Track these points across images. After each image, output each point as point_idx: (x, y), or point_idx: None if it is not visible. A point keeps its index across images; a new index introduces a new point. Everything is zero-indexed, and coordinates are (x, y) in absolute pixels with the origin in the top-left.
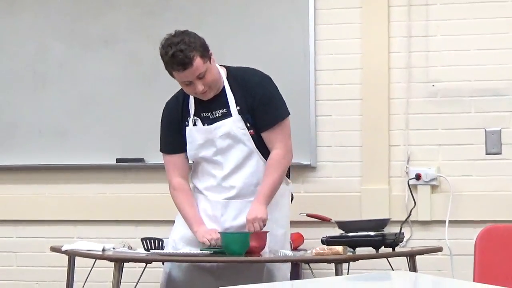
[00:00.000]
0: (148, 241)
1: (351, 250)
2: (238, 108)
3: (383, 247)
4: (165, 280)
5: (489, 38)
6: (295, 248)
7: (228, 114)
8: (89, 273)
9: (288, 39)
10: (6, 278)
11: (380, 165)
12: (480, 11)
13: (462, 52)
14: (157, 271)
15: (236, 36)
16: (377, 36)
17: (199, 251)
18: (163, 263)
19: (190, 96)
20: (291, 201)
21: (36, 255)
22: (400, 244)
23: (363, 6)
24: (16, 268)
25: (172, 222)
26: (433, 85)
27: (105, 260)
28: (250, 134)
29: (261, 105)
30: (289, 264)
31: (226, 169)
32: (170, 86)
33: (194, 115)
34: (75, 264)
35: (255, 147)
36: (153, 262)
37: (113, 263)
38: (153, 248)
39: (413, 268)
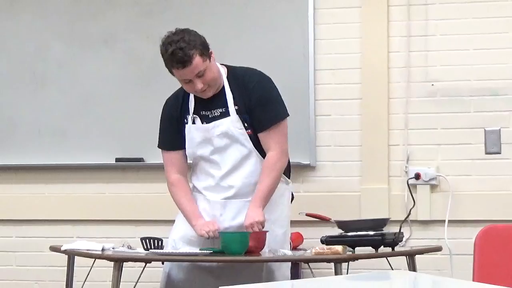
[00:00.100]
0: (147, 240)
1: (351, 249)
2: (236, 107)
3: (382, 246)
4: (165, 279)
5: (488, 37)
6: (294, 248)
7: (226, 113)
8: (89, 272)
9: (287, 39)
10: (5, 277)
11: (379, 165)
12: (479, 10)
13: (462, 51)
14: (157, 270)
15: (235, 35)
16: (376, 36)
17: (198, 251)
18: (162, 263)
19: (190, 94)
20: (292, 200)
21: (36, 255)
22: (399, 243)
23: (363, 5)
24: (16, 267)
25: (172, 221)
26: (432, 85)
27: (104, 260)
28: (248, 134)
29: (259, 105)
30: (289, 264)
31: (223, 168)
32: (170, 86)
33: (193, 113)
34: (75, 263)
35: (254, 147)
36: (153, 262)
37: (112, 263)
38: (152, 247)
39: (412, 267)
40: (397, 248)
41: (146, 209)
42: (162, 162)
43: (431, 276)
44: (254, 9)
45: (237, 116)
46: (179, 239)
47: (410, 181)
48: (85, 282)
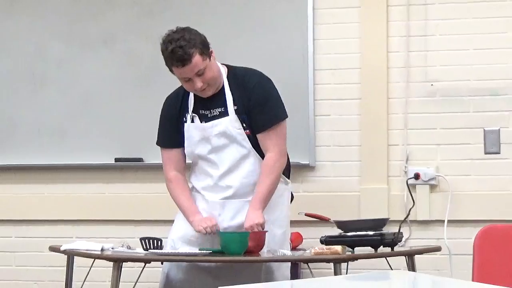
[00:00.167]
0: (147, 240)
1: (350, 249)
2: (236, 107)
3: (382, 246)
4: (164, 280)
5: (487, 37)
6: (294, 248)
7: (225, 113)
8: (88, 272)
9: (287, 39)
10: (5, 278)
11: (379, 165)
12: (479, 10)
13: (461, 51)
14: (156, 271)
15: (235, 35)
16: (376, 36)
17: (198, 251)
18: (162, 263)
19: (190, 92)
20: (291, 201)
21: (35, 255)
22: (399, 243)
23: (362, 5)
24: (15, 268)
25: (171, 221)
26: (431, 85)
27: (104, 260)
28: (246, 134)
29: (257, 106)
30: (288, 264)
31: (221, 168)
32: (169, 86)
33: (193, 111)
34: (74, 263)
35: (252, 147)
36: (152, 262)
37: (112, 263)
38: (152, 248)
39: (412, 267)
40: (396, 248)
41: (145, 209)
42: (162, 162)
43: (430, 276)
44: (254, 9)
45: (235, 116)
46: (178, 239)
47: (410, 181)
48: (85, 282)
